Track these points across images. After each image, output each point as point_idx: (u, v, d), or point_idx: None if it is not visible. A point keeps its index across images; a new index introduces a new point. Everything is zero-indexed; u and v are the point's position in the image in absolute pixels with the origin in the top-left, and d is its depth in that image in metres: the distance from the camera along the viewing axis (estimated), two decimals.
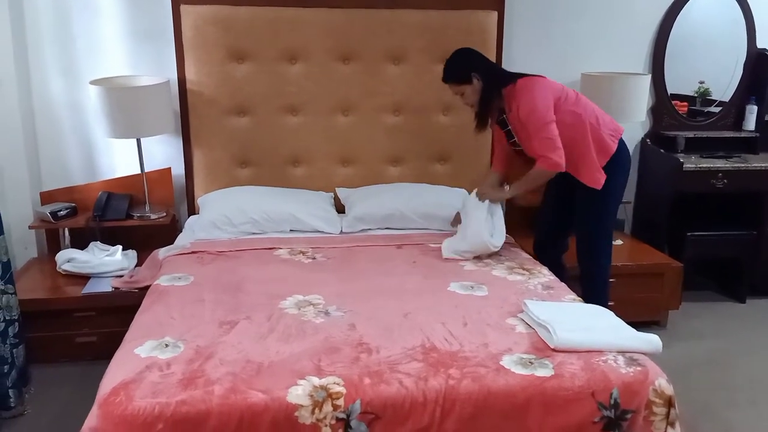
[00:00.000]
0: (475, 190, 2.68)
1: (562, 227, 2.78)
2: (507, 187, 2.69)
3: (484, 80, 2.49)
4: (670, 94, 3.50)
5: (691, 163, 3.24)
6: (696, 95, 3.57)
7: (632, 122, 3.31)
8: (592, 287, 2.63)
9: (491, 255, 2.61)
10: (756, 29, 3.43)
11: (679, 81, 3.51)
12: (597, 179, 2.48)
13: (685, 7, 3.36)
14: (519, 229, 3.15)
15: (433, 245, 2.72)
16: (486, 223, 2.59)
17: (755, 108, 3.47)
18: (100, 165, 3.14)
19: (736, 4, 3.40)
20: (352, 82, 3.07)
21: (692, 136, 3.44)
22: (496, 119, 2.61)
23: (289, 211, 2.88)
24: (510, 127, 2.57)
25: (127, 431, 1.52)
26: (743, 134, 3.49)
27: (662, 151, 3.40)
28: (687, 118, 3.54)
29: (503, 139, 2.68)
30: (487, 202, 2.63)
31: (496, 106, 2.55)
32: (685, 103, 3.57)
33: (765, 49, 3.44)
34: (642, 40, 3.38)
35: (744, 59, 3.48)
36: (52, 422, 2.29)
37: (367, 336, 1.88)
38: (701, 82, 3.56)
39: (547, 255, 2.76)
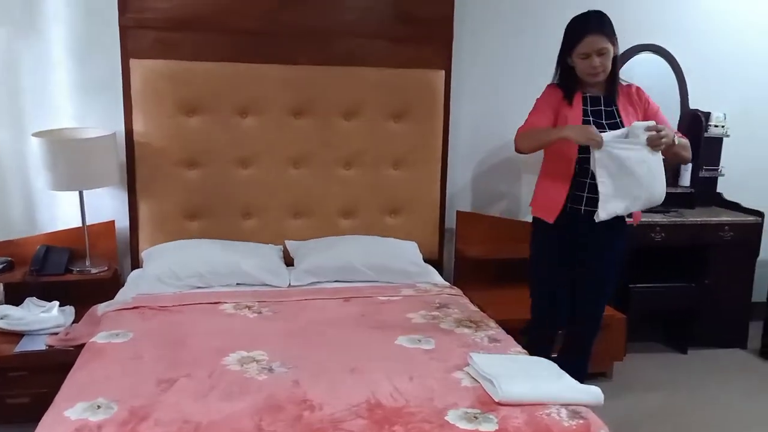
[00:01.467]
0: (639, 127, 2.26)
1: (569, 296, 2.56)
2: (676, 138, 2.32)
3: (617, 50, 2.39)
4: None
5: (632, 217, 3.35)
6: None
7: None
8: (592, 338, 2.59)
9: (440, 307, 2.61)
10: (688, 91, 3.64)
11: None
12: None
13: (621, 70, 3.51)
14: (467, 281, 3.18)
15: (382, 298, 2.71)
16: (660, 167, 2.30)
17: (690, 165, 3.64)
18: (40, 218, 3.05)
19: (670, 68, 3.60)
20: (304, 135, 3.10)
21: None
22: (580, 101, 2.42)
23: (237, 263, 2.84)
24: (616, 108, 2.41)
25: None
26: (679, 189, 3.64)
27: None
28: None
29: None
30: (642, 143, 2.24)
31: (616, 88, 2.43)
32: None
33: (697, 109, 3.64)
34: None
35: (678, 119, 3.66)
36: None
37: (311, 393, 1.84)
38: None
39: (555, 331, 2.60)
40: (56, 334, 2.57)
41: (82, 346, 2.27)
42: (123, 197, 3.04)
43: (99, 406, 1.73)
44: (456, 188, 3.45)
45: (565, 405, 1.80)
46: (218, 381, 1.91)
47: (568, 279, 2.51)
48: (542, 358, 2.09)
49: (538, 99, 2.50)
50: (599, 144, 2.22)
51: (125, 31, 2.89)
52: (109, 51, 2.93)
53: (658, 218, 3.38)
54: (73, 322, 2.67)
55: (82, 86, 2.98)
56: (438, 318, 2.50)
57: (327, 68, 3.08)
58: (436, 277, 3.07)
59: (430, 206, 3.31)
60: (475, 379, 1.94)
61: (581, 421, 1.74)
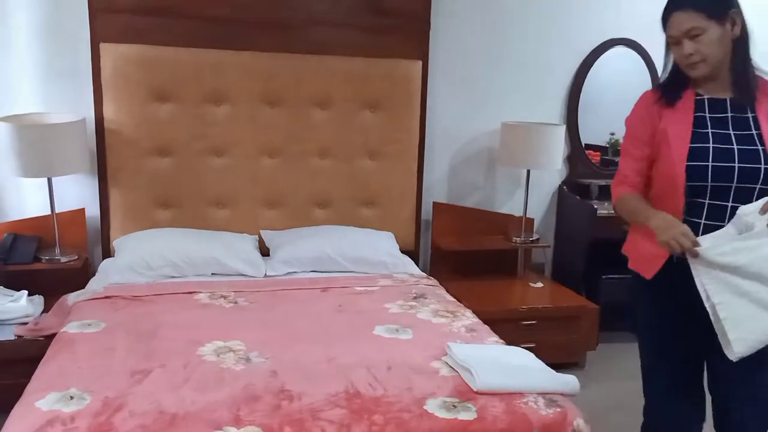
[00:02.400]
0: (751, 212, 1.59)
1: (697, 377, 1.87)
2: None
3: (744, 30, 1.71)
4: (585, 144, 3.69)
5: (604, 209, 3.39)
6: (607, 145, 3.78)
7: (550, 170, 3.47)
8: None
9: (417, 297, 2.62)
10: None
11: (592, 132, 3.70)
12: None
13: (595, 63, 3.57)
14: (443, 272, 3.20)
15: (359, 288, 2.71)
16: None
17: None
18: (7, 205, 2.97)
19: (643, 63, 3.65)
20: (278, 125, 3.07)
21: (604, 183, 3.62)
22: (692, 108, 1.76)
23: (211, 254, 2.80)
24: (753, 115, 1.73)
25: None
26: None
27: (578, 197, 3.56)
28: (599, 167, 3.73)
29: (681, 145, 1.72)
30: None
31: (750, 87, 1.72)
32: (598, 153, 3.76)
33: None
34: (557, 93, 3.56)
35: None
36: None
37: (289, 383, 1.83)
38: (612, 134, 3.77)
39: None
40: (25, 324, 2.50)
41: (52, 336, 2.22)
42: (93, 185, 2.97)
43: (72, 397, 1.69)
44: (432, 179, 3.45)
45: (543, 394, 1.82)
46: (194, 371, 1.88)
47: (688, 351, 1.82)
48: (518, 348, 2.10)
49: (627, 125, 1.90)
50: (692, 253, 1.57)
51: (95, 14, 2.82)
52: (78, 35, 2.85)
53: None
54: (43, 312, 2.61)
55: (50, 71, 2.90)
56: (415, 308, 2.50)
57: (302, 57, 3.04)
58: (413, 267, 3.07)
59: (407, 197, 3.30)
60: (453, 369, 1.94)
61: (558, 410, 1.76)
